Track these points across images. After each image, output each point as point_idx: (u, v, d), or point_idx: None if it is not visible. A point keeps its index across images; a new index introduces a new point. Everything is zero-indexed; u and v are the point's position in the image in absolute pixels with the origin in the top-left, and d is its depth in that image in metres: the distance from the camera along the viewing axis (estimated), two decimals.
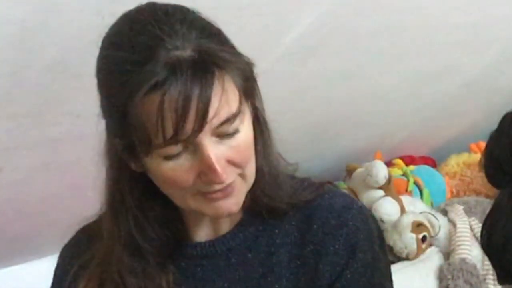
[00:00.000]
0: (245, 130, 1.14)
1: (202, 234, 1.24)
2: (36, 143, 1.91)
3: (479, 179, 2.78)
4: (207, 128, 1.09)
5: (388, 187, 2.54)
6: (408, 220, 2.46)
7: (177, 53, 1.07)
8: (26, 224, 2.24)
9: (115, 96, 1.10)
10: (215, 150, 1.10)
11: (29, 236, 2.31)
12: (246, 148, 1.14)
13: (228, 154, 1.12)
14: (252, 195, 1.21)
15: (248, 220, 1.24)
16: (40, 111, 1.80)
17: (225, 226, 1.24)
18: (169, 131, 1.07)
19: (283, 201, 1.23)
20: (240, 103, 1.11)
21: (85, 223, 1.31)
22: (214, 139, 1.11)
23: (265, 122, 1.21)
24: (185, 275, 1.22)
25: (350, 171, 2.68)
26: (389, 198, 2.52)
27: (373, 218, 1.29)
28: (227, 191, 1.14)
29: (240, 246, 1.23)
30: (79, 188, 2.15)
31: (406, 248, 2.42)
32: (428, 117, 2.76)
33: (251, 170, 1.17)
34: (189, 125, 1.07)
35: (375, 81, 2.39)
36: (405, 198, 2.58)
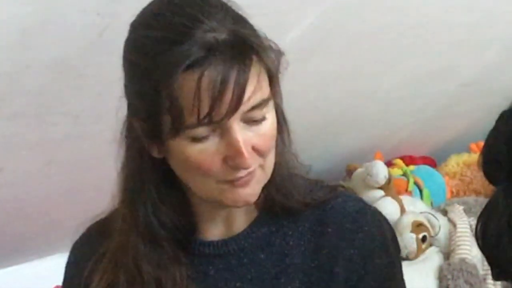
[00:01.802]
0: (271, 118, 1.15)
1: (215, 232, 1.24)
2: (36, 143, 1.91)
3: (479, 179, 2.78)
4: (238, 112, 1.10)
5: (388, 187, 2.54)
6: (408, 220, 2.46)
7: (214, 34, 1.09)
8: (26, 224, 2.24)
9: (149, 75, 1.10)
10: (243, 135, 1.11)
11: (29, 236, 2.31)
12: (271, 137, 1.15)
13: (254, 141, 1.13)
14: (267, 192, 1.21)
15: (262, 219, 1.24)
16: (40, 111, 1.81)
17: (239, 225, 1.24)
18: (204, 111, 1.08)
19: (297, 200, 1.23)
20: (271, 88, 1.13)
21: (95, 220, 1.30)
22: (242, 124, 1.12)
23: (284, 119, 1.22)
24: (197, 273, 1.22)
25: (350, 171, 2.69)
26: (389, 198, 2.52)
27: (386, 221, 1.29)
28: (247, 179, 1.15)
29: (252, 246, 1.23)
30: (79, 188, 2.15)
31: (406, 248, 2.42)
32: (428, 117, 2.76)
33: (270, 162, 1.17)
34: (224, 106, 1.08)
35: (375, 81, 2.39)
36: (405, 198, 2.58)
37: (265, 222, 1.24)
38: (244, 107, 1.10)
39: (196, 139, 1.11)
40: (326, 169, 2.51)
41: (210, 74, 1.07)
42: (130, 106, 1.17)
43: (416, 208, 2.57)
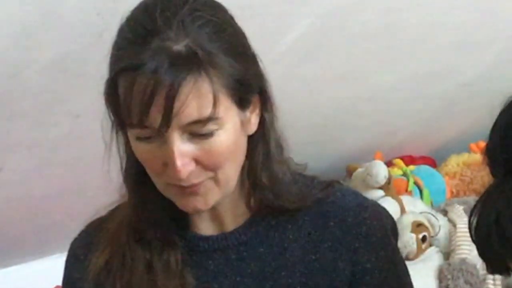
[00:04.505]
0: (224, 136, 1.13)
1: (209, 228, 1.24)
2: (36, 143, 1.91)
3: (479, 179, 2.78)
4: (176, 124, 1.09)
5: (388, 187, 2.54)
6: (408, 220, 2.46)
7: (168, 43, 1.08)
8: (26, 224, 2.24)
9: (108, 67, 1.13)
10: (182, 146, 1.11)
11: (29, 236, 2.31)
12: (219, 154, 1.13)
13: (198, 154, 1.12)
14: (262, 197, 1.22)
15: (260, 215, 1.24)
16: (40, 111, 1.81)
17: (231, 222, 1.24)
18: (135, 115, 1.09)
19: (292, 204, 1.23)
20: (216, 107, 1.10)
21: (94, 218, 1.31)
22: (186, 136, 1.11)
23: (270, 134, 1.21)
24: (196, 268, 1.22)
25: (350, 171, 2.68)
26: (389, 198, 2.52)
27: (385, 211, 1.31)
28: (193, 189, 1.14)
29: (251, 241, 1.23)
30: (79, 188, 2.15)
31: (406, 248, 2.42)
32: (428, 117, 2.76)
33: (226, 176, 1.16)
34: (155, 115, 1.08)
35: (375, 81, 2.39)
36: (405, 198, 2.58)
37: (263, 216, 1.24)
38: (179, 121, 1.09)
39: (140, 139, 1.12)
40: (326, 169, 2.51)
41: (142, 79, 1.07)
42: None
43: (416, 208, 2.57)
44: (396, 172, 2.72)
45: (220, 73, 1.10)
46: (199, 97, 1.09)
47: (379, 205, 1.31)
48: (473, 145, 2.84)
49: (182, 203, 1.17)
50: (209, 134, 1.11)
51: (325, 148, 2.61)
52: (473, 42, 2.38)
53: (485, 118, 1.10)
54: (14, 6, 1.50)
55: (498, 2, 2.25)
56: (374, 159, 2.63)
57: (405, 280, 1.29)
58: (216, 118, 1.11)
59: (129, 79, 1.08)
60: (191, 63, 1.08)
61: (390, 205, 2.48)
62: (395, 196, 2.55)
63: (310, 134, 2.42)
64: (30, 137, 1.88)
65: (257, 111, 1.19)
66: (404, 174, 2.74)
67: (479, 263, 2.41)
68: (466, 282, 2.36)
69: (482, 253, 1.06)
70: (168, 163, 1.11)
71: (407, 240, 2.42)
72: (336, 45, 2.11)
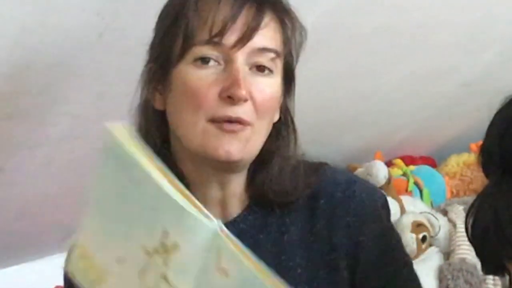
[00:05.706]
0: (275, 84, 1.20)
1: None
2: (36, 143, 1.91)
3: (479, 179, 2.77)
4: (248, 46, 1.15)
5: (388, 187, 2.54)
6: (408, 220, 2.46)
7: None
8: (26, 224, 2.24)
9: (174, 4, 1.19)
10: (245, 74, 1.16)
11: (29, 236, 2.31)
12: (269, 98, 1.19)
13: (252, 89, 1.17)
14: (260, 190, 1.24)
15: (256, 203, 1.26)
16: (40, 111, 1.80)
17: (234, 209, 1.26)
18: (217, 28, 1.14)
19: (291, 196, 1.25)
20: (282, 48, 1.19)
21: None
22: (247, 70, 1.17)
23: (291, 126, 1.26)
24: None
25: (350, 171, 2.68)
26: (389, 198, 2.51)
27: (376, 189, 1.34)
28: (236, 125, 1.17)
29: (250, 228, 1.25)
30: (79, 188, 2.15)
31: (406, 248, 2.42)
32: (428, 117, 2.76)
33: (260, 132, 1.20)
34: (235, 32, 1.15)
35: (375, 81, 2.39)
36: (405, 198, 2.58)
37: (259, 204, 1.26)
38: (254, 43, 1.16)
39: (201, 61, 1.16)
40: None
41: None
42: (149, 52, 1.23)
43: (416, 208, 2.57)
44: (396, 172, 2.72)
45: (288, 36, 1.21)
46: (275, 29, 1.19)
47: (368, 183, 1.34)
48: (473, 145, 2.84)
49: (216, 144, 1.17)
50: (266, 72, 1.18)
51: (325, 148, 2.60)
52: (473, 42, 2.38)
53: (485, 118, 1.10)
54: (14, 6, 1.50)
55: (498, 2, 2.25)
56: (374, 159, 2.63)
57: (400, 255, 1.31)
58: (279, 57, 1.19)
59: None
60: (276, 4, 1.19)
61: (390, 205, 2.47)
62: (395, 196, 2.55)
63: (310, 134, 2.42)
64: (30, 137, 1.88)
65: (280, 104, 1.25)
66: (404, 174, 2.74)
67: (479, 263, 2.41)
68: (466, 282, 2.36)
69: (479, 253, 1.06)
70: (227, 86, 1.15)
71: (407, 240, 2.42)
72: (336, 45, 2.11)
